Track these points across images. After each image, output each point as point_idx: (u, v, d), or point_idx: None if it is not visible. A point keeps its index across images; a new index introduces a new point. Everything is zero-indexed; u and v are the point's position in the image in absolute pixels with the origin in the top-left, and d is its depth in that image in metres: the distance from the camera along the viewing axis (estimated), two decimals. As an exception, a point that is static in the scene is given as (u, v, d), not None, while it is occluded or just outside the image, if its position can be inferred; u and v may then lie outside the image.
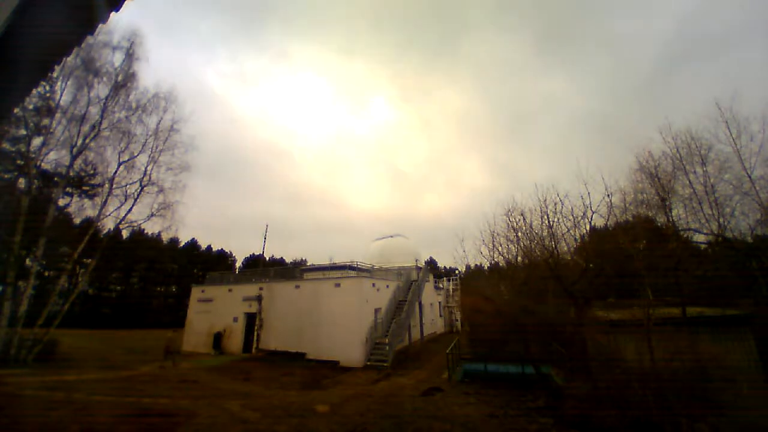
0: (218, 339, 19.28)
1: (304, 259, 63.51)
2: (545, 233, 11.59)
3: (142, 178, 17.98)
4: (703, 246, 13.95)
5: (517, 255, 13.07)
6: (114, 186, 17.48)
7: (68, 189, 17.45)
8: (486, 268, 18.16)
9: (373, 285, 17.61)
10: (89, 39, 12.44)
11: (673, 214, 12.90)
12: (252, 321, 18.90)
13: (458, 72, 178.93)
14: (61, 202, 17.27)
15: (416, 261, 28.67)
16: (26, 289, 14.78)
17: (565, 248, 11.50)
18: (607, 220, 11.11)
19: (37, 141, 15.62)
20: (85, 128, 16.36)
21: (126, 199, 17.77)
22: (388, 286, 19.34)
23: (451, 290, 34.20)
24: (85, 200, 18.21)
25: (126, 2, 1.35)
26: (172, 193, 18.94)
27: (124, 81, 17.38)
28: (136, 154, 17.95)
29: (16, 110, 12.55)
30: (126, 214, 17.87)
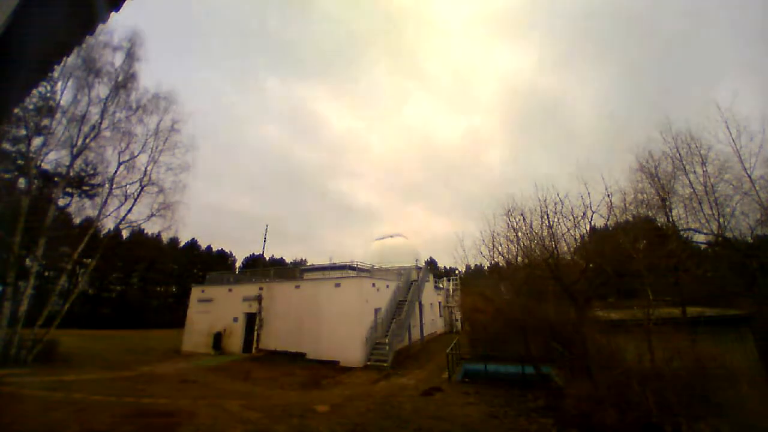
0: (218, 339, 19.29)
1: (304, 259, 63.69)
2: (545, 233, 11.57)
3: (142, 178, 17.97)
4: (703, 246, 13.95)
5: (517, 255, 13.05)
6: (114, 186, 17.47)
7: (68, 189, 17.45)
8: (486, 268, 18.17)
9: (373, 285, 17.61)
10: (89, 39, 12.45)
11: (673, 214, 12.90)
12: (252, 321, 18.90)
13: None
14: (61, 202, 17.27)
15: (416, 261, 28.67)
16: (26, 289, 14.75)
17: (565, 248, 11.49)
18: (607, 220, 11.10)
19: (37, 141, 15.62)
20: (86, 128, 16.35)
21: (126, 199, 17.75)
22: (388, 286, 19.34)
23: (451, 290, 34.20)
24: (85, 200, 18.21)
25: (126, 2, 1.35)
26: (172, 193, 18.92)
27: (125, 81, 17.37)
28: (136, 154, 17.94)
29: (16, 110, 12.56)
30: (126, 214, 17.86)
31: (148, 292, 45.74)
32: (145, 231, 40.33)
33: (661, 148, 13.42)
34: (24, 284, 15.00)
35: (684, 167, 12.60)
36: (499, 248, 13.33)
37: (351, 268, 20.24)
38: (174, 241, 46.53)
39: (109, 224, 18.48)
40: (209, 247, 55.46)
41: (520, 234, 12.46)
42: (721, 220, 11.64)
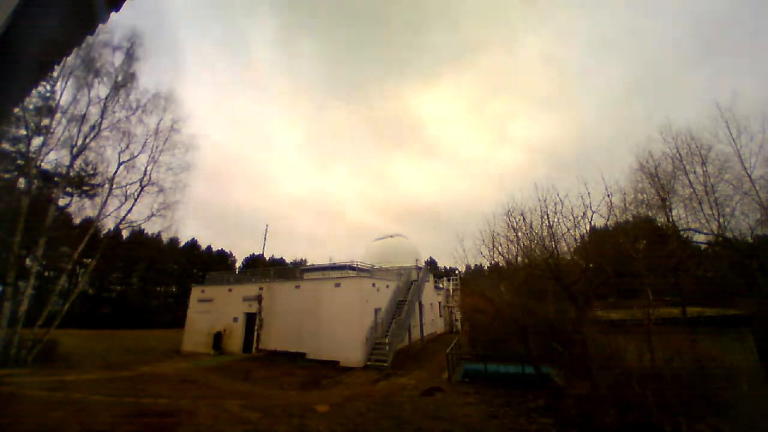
0: (218, 339, 19.29)
1: (304, 259, 63.71)
2: (545, 233, 11.58)
3: (142, 178, 18.00)
4: (703, 246, 13.97)
5: (517, 255, 13.06)
6: (114, 186, 17.50)
7: (68, 189, 17.46)
8: (486, 268, 18.18)
9: (373, 285, 17.61)
10: (89, 39, 12.47)
11: (673, 214, 12.91)
12: (252, 321, 18.90)
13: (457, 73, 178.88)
14: (61, 202, 17.29)
15: (416, 261, 28.67)
16: (26, 289, 14.77)
17: (565, 248, 11.49)
18: (607, 220, 11.11)
19: (37, 141, 15.64)
20: (85, 128, 16.39)
21: (126, 199, 17.79)
22: (388, 286, 19.34)
23: (451, 290, 34.21)
24: (85, 200, 18.23)
25: (126, 2, 1.35)
26: (172, 193, 18.98)
27: (124, 81, 17.40)
28: (136, 154, 17.99)
29: (16, 110, 12.56)
30: (126, 214, 17.90)
31: (148, 292, 45.74)
32: (145, 231, 40.38)
33: (661, 148, 13.46)
34: (24, 284, 15.01)
35: (684, 167, 12.61)
36: (499, 248, 13.35)
37: (351, 268, 20.23)
38: (174, 241, 46.53)
39: (109, 224, 18.54)
40: (209, 247, 55.50)
41: (520, 234, 12.48)
42: (721, 220, 11.66)
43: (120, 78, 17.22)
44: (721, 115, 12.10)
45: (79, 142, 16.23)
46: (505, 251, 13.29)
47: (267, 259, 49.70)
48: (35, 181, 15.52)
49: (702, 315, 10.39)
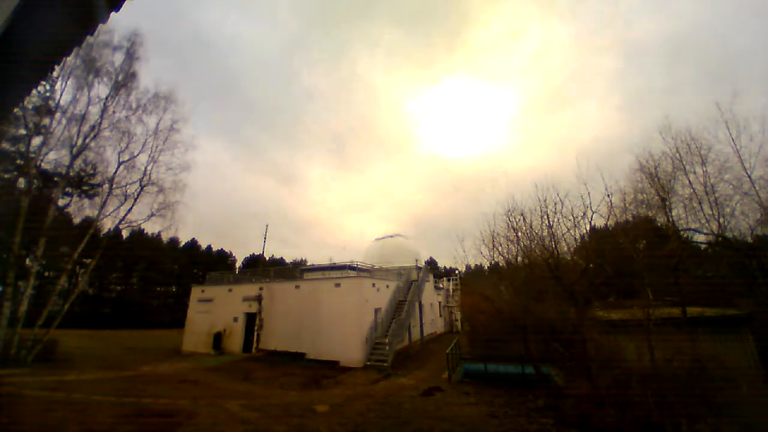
0: (218, 339, 19.29)
1: (304, 259, 63.69)
2: (545, 233, 11.58)
3: (142, 178, 18.00)
4: (703, 246, 13.95)
5: (517, 255, 13.06)
6: (114, 186, 17.50)
7: (68, 189, 17.47)
8: (486, 268, 18.17)
9: (373, 285, 17.60)
10: (89, 39, 12.47)
11: (673, 214, 12.88)
12: (252, 321, 18.91)
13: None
14: (61, 202, 17.31)
15: (416, 261, 28.68)
16: (26, 289, 14.77)
17: (565, 248, 11.49)
18: (607, 220, 11.10)
19: (37, 141, 15.65)
20: (85, 128, 16.39)
21: (126, 199, 17.79)
22: (388, 286, 19.34)
23: (451, 290, 34.21)
24: (85, 200, 18.25)
25: (126, 2, 1.35)
26: (172, 193, 18.98)
27: (125, 81, 17.40)
28: (136, 154, 18.00)
29: (16, 110, 12.56)
30: (126, 214, 17.90)
31: (148, 292, 45.70)
32: (145, 231, 40.40)
33: (661, 148, 13.41)
34: (24, 284, 15.01)
35: (684, 167, 12.59)
36: (499, 248, 13.34)
37: (351, 268, 20.24)
38: (174, 241, 46.55)
39: (109, 224, 18.55)
40: (209, 247, 55.47)
41: (520, 234, 12.47)
42: (721, 220, 11.64)
43: (120, 78, 17.23)
44: (721, 115, 12.08)
45: (79, 142, 16.23)
46: (505, 251, 13.29)
47: (267, 259, 49.69)
48: (35, 181, 15.52)
49: (702, 315, 10.39)
